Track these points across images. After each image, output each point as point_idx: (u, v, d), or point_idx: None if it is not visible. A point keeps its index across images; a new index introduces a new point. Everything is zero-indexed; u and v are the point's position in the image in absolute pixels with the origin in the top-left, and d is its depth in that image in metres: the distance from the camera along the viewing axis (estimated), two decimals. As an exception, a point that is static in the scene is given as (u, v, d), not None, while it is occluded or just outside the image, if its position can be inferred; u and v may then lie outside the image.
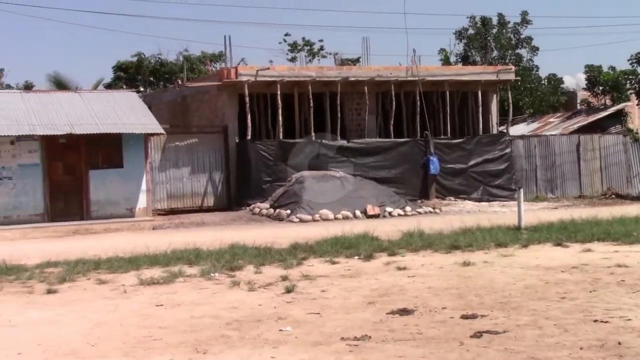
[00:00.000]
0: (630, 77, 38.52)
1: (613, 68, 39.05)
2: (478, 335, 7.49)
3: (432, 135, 26.67)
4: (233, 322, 8.42)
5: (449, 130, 27.38)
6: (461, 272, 11.40)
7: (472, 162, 26.92)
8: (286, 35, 45.07)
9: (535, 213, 20.13)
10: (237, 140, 25.08)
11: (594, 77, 38.97)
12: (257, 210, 23.30)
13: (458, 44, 42.64)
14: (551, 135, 31.10)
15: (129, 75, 45.54)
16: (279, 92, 25.02)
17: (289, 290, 10.07)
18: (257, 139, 25.26)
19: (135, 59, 45.73)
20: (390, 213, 22.65)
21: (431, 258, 12.92)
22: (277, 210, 22.62)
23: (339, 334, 7.69)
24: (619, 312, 8.34)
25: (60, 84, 37.27)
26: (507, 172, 27.37)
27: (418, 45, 51.51)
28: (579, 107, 40.18)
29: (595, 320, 7.97)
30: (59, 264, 12.78)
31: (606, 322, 7.90)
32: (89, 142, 22.74)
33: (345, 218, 21.90)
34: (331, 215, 21.93)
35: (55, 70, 39.49)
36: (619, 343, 7.03)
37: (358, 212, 22.38)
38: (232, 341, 7.60)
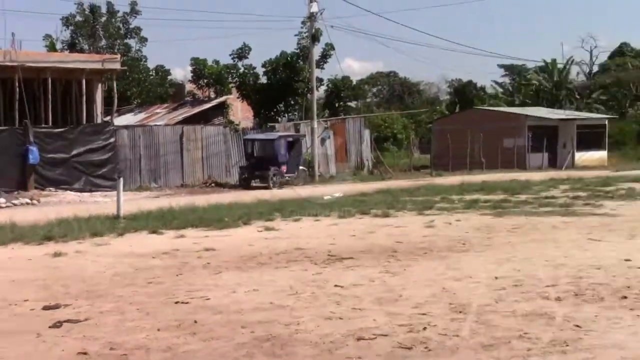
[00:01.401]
0: (232, 71, 40.59)
1: (217, 62, 40.88)
2: (58, 325, 7.33)
3: (32, 123, 25.52)
4: None
5: (50, 119, 26.47)
6: (51, 263, 11.10)
7: (74, 152, 26.28)
8: None
9: (137, 202, 20.28)
10: None
11: (200, 69, 40.41)
12: None
13: (65, 30, 41.52)
14: (156, 125, 31.62)
15: None
16: None
17: None
18: None
19: None
20: (-17, 205, 21.29)
21: (20, 251, 12.39)
22: None
23: None
24: (200, 292, 8.71)
25: None
26: (110, 162, 27.17)
27: (20, 29, 48.83)
28: (186, 98, 41.41)
29: (177, 302, 8.24)
30: None
31: (187, 302, 8.21)
32: None
33: None
34: None
35: None
36: (195, 321, 7.33)
37: (-53, 205, 20.69)
38: None
